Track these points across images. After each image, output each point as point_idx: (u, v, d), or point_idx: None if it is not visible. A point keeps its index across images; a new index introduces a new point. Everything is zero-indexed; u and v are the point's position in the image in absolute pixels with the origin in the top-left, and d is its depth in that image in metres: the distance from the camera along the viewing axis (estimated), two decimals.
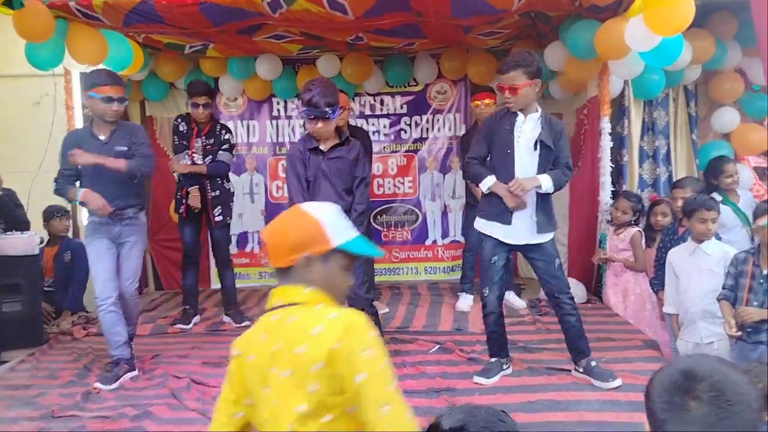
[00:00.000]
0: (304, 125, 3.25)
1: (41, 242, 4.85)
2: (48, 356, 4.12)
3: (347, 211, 3.30)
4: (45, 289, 4.88)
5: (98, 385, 3.47)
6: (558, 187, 3.32)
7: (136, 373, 3.68)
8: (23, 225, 4.75)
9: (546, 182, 3.24)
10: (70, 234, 5.25)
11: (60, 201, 5.27)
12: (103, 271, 3.59)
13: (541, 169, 3.31)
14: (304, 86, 3.20)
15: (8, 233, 4.52)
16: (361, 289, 3.36)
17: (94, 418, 3.06)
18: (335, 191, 3.26)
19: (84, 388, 3.46)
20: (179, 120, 4.74)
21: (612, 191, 4.82)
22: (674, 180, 5.11)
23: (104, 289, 3.57)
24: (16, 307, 4.25)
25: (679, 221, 4.12)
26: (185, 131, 4.66)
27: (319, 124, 3.15)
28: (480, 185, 3.37)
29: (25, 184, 5.05)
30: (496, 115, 3.44)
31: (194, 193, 4.60)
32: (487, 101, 4.79)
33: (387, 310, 4.93)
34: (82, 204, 3.66)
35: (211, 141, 4.65)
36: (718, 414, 1.06)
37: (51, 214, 5.14)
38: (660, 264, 3.99)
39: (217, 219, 4.71)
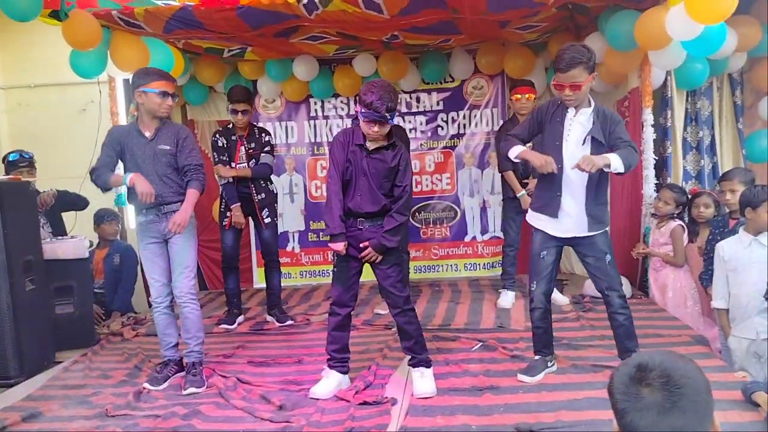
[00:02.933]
0: (354, 121, 3.24)
1: (90, 245, 5.01)
2: (100, 356, 4.23)
3: (382, 212, 3.29)
4: (95, 291, 5.03)
5: (147, 385, 3.56)
6: (628, 167, 3.10)
7: (184, 373, 3.76)
8: (85, 201, 5.18)
9: (615, 161, 3.05)
10: (118, 237, 5.41)
11: (110, 204, 5.43)
12: (156, 275, 3.65)
13: None
14: (364, 88, 3.18)
15: (58, 238, 4.69)
16: (397, 287, 3.35)
17: (146, 417, 3.14)
18: (372, 191, 3.26)
19: (135, 387, 3.55)
20: (217, 135, 4.71)
21: (656, 184, 4.72)
22: (719, 171, 4.98)
23: (159, 293, 3.66)
24: (69, 309, 4.40)
25: (729, 213, 4.00)
26: (225, 146, 4.66)
27: (375, 128, 3.16)
28: (509, 153, 3.30)
29: (72, 190, 5.20)
30: (550, 105, 3.34)
31: (237, 211, 4.65)
32: (528, 95, 4.70)
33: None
34: (129, 189, 3.54)
35: (253, 145, 4.70)
36: (669, 397, 1.20)
37: (101, 218, 5.31)
38: (709, 258, 3.85)
39: (266, 221, 4.78)
